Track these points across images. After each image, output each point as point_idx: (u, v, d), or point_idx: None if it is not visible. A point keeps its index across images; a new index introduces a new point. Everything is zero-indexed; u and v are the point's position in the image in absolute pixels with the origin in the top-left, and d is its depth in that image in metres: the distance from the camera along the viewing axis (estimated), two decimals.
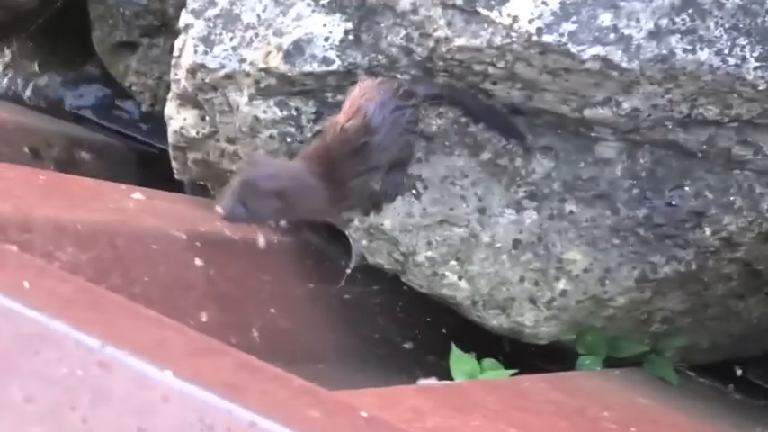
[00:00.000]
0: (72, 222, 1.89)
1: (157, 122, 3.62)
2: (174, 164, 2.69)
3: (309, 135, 2.38)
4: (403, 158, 2.31)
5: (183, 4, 3.16)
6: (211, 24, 2.43)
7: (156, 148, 3.65)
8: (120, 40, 3.48)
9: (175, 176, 2.72)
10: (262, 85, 2.36)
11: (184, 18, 2.46)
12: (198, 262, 2.14)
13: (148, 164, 3.61)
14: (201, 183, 2.76)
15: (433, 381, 2.14)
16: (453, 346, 2.35)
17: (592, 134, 2.31)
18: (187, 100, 2.52)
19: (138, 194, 2.37)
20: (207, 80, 2.43)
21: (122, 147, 3.61)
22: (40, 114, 3.54)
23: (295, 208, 2.14)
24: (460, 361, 2.35)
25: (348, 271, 2.48)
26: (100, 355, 1.10)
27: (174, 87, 2.53)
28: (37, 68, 3.78)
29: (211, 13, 2.43)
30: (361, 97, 2.20)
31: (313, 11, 2.35)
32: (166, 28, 3.37)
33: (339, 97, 2.33)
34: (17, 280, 1.20)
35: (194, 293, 2.07)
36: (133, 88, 3.52)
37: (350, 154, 2.18)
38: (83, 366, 1.10)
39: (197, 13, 2.45)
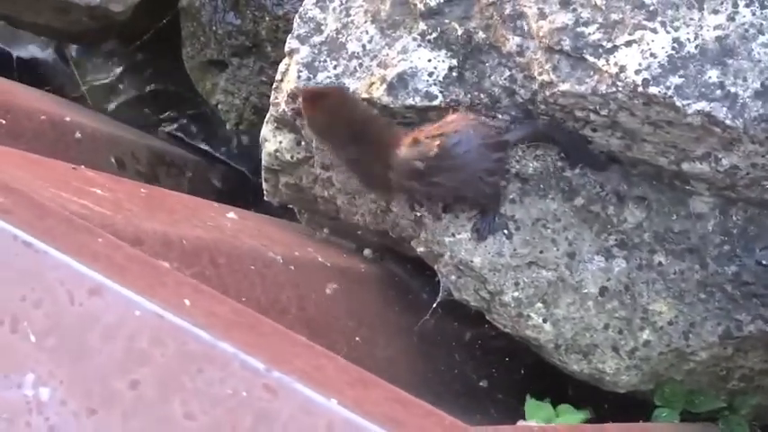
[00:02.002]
0: (178, 237, 1.91)
1: (240, 142, 3.68)
2: (265, 185, 2.72)
3: None
4: (483, 204, 2.33)
5: (275, 27, 3.22)
6: (316, 51, 2.46)
7: (235, 167, 3.70)
8: (210, 58, 3.52)
9: (265, 198, 2.75)
10: None
11: (290, 43, 2.48)
12: (292, 286, 2.16)
13: (227, 182, 3.65)
14: (290, 206, 2.78)
15: (532, 423, 2.16)
16: (529, 398, 2.37)
17: (687, 188, 2.31)
18: (284, 124, 2.55)
19: (232, 214, 2.40)
20: None
21: (203, 163, 3.65)
22: (127, 126, 3.59)
23: None
24: (536, 408, 2.36)
25: (434, 305, 2.50)
26: (266, 378, 1.12)
27: (272, 110, 2.55)
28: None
29: (317, 39, 2.46)
30: (451, 124, 2.22)
31: (419, 45, 2.37)
32: (257, 49, 3.41)
33: None
34: (178, 298, 1.22)
35: (288, 317, 2.09)
36: (219, 107, 3.56)
37: (407, 169, 2.20)
38: (248, 388, 1.11)
39: (303, 39, 2.48)
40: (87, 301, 1.26)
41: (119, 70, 3.94)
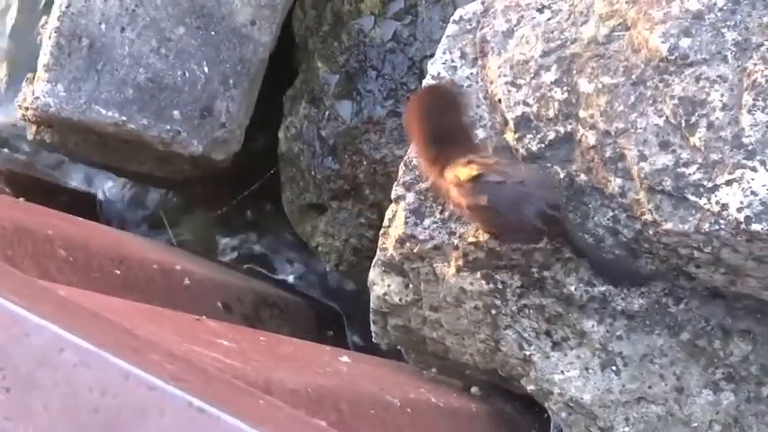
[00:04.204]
0: (303, 386, 1.99)
1: (338, 283, 3.76)
2: (373, 327, 2.79)
3: (514, 308, 2.47)
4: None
5: (373, 171, 3.32)
6: (422, 197, 2.54)
7: (333, 308, 3.78)
8: (309, 201, 3.63)
9: (374, 340, 2.82)
10: (470, 258, 2.46)
11: (396, 190, 2.57)
12: (410, 428, 2.22)
13: (325, 323, 3.74)
14: (399, 347, 2.85)
15: None
16: None
17: None
18: (392, 268, 2.63)
19: (345, 357, 2.47)
20: (415, 250, 2.53)
21: (303, 304, 3.73)
22: (230, 270, 3.69)
23: None
24: None
25: None
26: None
27: (379, 254, 2.63)
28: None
29: (422, 186, 2.55)
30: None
31: None
32: (356, 192, 3.51)
33: (545, 273, 2.43)
34: None
35: None
36: (319, 248, 3.65)
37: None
38: None
39: (408, 186, 2.57)
40: None
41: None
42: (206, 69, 3.46)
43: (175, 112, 3.45)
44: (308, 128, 3.56)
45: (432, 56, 2.84)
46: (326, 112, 3.52)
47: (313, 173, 3.57)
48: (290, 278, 3.96)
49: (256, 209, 3.96)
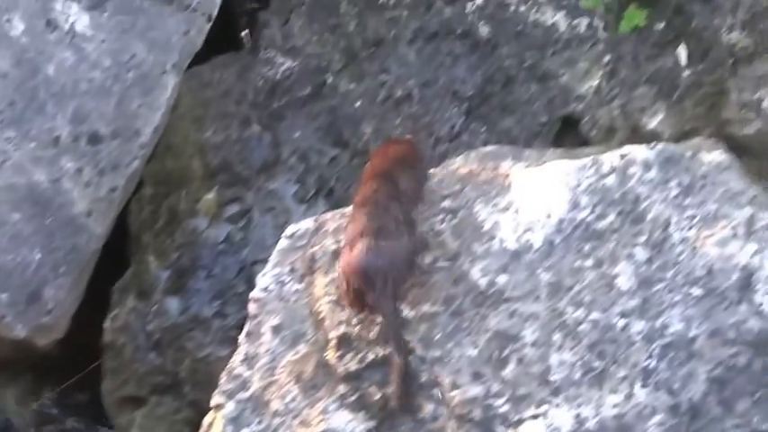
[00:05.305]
0: None
1: None
2: None
3: None
4: None
5: (195, 369, 3.35)
6: (242, 407, 2.60)
7: None
8: (128, 393, 3.62)
9: None
10: None
11: (216, 398, 2.62)
12: None
13: None
14: None
15: None
16: None
17: None
18: None
19: None
20: None
21: None
22: None
23: None
24: None
25: None
26: None
27: None
28: None
29: (243, 395, 2.61)
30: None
31: (339, 407, 2.52)
32: (176, 388, 3.52)
33: None
34: None
35: None
36: None
37: None
38: None
39: (229, 394, 2.62)
40: None
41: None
42: (38, 255, 3.48)
43: (3, 296, 3.45)
44: (135, 321, 3.57)
45: (263, 261, 2.93)
46: (154, 307, 3.55)
47: (135, 365, 3.57)
48: None
49: (76, 397, 3.92)
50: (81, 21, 3.46)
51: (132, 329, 3.58)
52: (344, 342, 2.56)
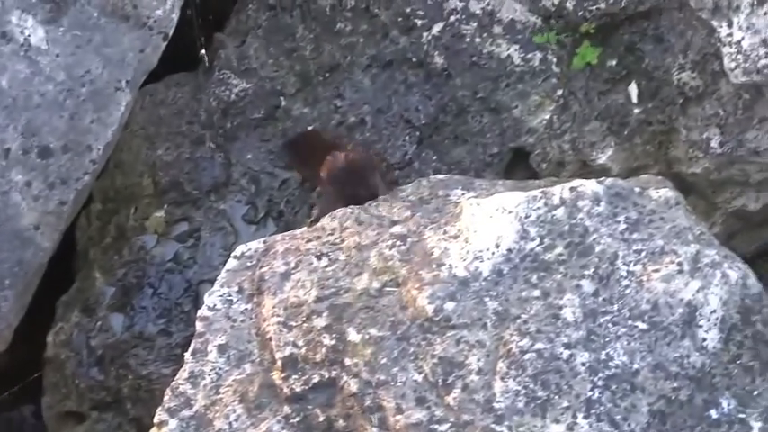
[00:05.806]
0: None
1: None
2: None
3: None
4: None
5: (137, 386, 3.35)
6: (185, 425, 2.59)
7: None
8: (69, 409, 3.60)
9: None
10: None
11: (160, 415, 2.61)
12: None
13: None
14: None
15: None
16: None
17: None
18: None
19: None
20: None
21: None
22: None
23: None
24: None
25: None
26: None
27: None
28: None
29: (186, 413, 2.61)
30: None
31: (283, 428, 2.53)
32: (117, 405, 3.51)
33: None
34: None
35: None
36: None
37: None
38: None
39: (172, 412, 2.61)
40: None
41: None
42: None
43: None
44: (78, 336, 3.56)
45: (210, 280, 2.94)
46: (98, 323, 3.54)
47: (77, 381, 3.56)
48: None
49: (17, 412, 3.90)
50: (36, 34, 3.44)
51: (75, 344, 3.56)
52: (290, 363, 2.56)
